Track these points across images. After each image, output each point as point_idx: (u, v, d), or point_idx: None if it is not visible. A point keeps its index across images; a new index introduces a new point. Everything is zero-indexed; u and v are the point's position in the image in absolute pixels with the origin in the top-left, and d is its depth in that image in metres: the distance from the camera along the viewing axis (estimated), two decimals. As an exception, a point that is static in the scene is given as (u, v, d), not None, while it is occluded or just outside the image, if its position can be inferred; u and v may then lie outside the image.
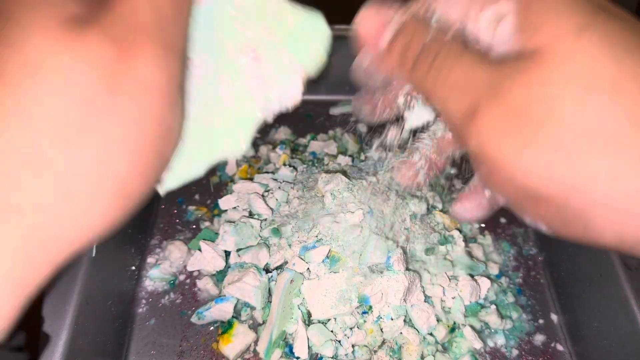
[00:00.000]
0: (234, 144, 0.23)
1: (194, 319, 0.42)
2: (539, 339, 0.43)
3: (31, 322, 0.32)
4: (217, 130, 0.23)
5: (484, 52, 0.20)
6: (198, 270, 0.45)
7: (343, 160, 0.49)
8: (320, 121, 0.60)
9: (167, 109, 0.19)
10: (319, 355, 0.39)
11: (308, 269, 0.41)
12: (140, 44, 0.18)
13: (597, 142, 0.17)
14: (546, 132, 0.17)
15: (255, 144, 0.56)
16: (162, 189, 0.23)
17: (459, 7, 0.22)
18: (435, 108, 0.21)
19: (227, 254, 0.45)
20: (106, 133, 0.17)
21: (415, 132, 0.27)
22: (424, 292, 0.41)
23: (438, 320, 0.40)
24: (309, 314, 0.40)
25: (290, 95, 0.24)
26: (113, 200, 0.18)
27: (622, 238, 0.18)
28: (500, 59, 0.19)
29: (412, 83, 0.22)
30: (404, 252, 0.42)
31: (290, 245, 0.43)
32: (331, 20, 0.24)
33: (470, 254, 0.46)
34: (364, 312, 0.40)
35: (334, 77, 0.59)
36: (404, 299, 0.39)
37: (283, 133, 0.57)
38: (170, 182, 0.23)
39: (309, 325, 0.39)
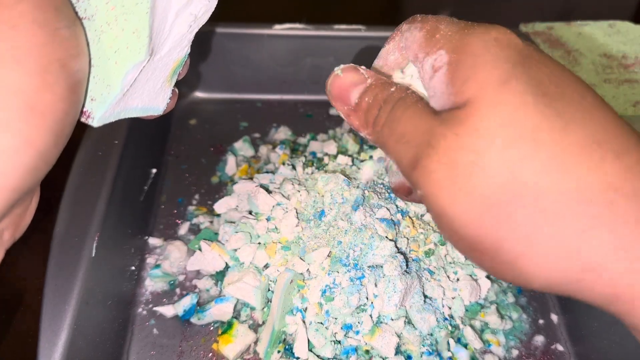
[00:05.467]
0: (136, 52, 0.23)
1: (193, 319, 0.42)
2: (539, 339, 0.43)
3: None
4: (118, 41, 0.23)
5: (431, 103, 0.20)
6: (198, 271, 0.45)
7: (343, 160, 0.49)
8: (320, 121, 0.60)
9: (51, 13, 0.19)
10: (318, 356, 0.39)
11: (308, 269, 0.41)
12: None
13: (518, 194, 0.17)
14: (474, 184, 0.18)
15: (255, 144, 0.56)
16: (95, 121, 0.23)
17: (410, 53, 0.22)
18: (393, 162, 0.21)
19: (227, 254, 0.45)
20: None
21: None
22: (423, 292, 0.41)
23: (438, 320, 0.40)
24: (309, 315, 0.40)
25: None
26: (26, 117, 0.18)
27: (550, 283, 0.18)
28: (441, 110, 0.19)
29: (375, 141, 0.22)
30: (404, 252, 0.42)
31: (290, 246, 0.43)
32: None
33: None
34: (364, 312, 0.40)
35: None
36: (404, 300, 0.39)
37: (283, 133, 0.57)
38: (98, 111, 0.23)
39: (308, 326, 0.39)
